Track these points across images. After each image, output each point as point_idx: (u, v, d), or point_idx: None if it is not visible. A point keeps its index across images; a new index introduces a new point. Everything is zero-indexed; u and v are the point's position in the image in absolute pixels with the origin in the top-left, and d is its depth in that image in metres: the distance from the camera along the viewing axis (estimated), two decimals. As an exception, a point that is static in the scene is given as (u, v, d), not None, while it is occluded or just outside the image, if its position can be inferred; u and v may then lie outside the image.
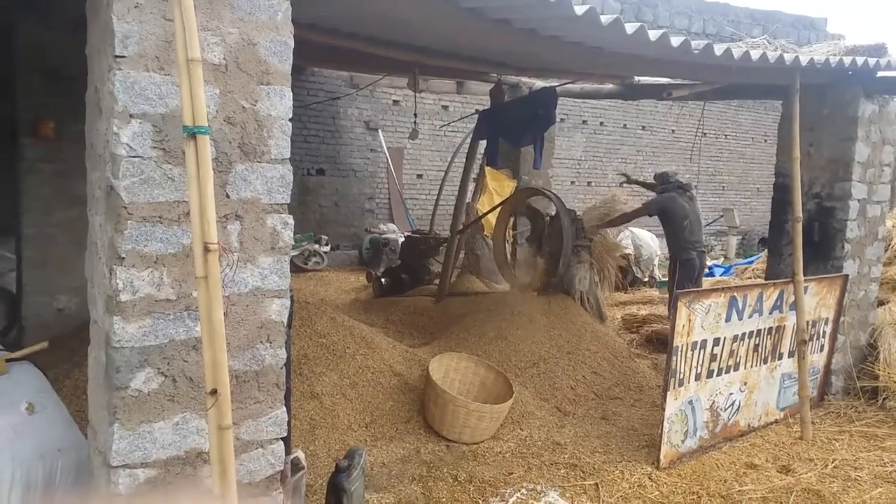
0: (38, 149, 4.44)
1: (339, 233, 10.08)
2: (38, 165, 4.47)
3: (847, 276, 4.73)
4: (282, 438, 2.27)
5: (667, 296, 7.59)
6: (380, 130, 10.28)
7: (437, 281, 6.92)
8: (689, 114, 13.26)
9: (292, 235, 2.27)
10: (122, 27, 1.87)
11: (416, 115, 7.40)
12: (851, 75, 4.52)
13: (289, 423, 2.30)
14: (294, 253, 8.73)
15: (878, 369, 4.84)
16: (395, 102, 10.50)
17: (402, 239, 8.58)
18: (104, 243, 2.01)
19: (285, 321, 2.27)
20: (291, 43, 2.17)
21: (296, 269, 8.66)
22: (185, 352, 2.04)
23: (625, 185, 7.21)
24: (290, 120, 2.20)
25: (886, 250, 5.57)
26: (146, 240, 1.95)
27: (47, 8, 3.78)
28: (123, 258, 1.92)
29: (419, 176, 11.00)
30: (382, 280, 7.17)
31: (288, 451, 2.34)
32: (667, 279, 6.99)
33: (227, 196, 2.09)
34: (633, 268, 8.98)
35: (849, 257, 4.79)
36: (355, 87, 9.13)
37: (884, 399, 4.72)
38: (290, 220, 2.24)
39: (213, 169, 1.88)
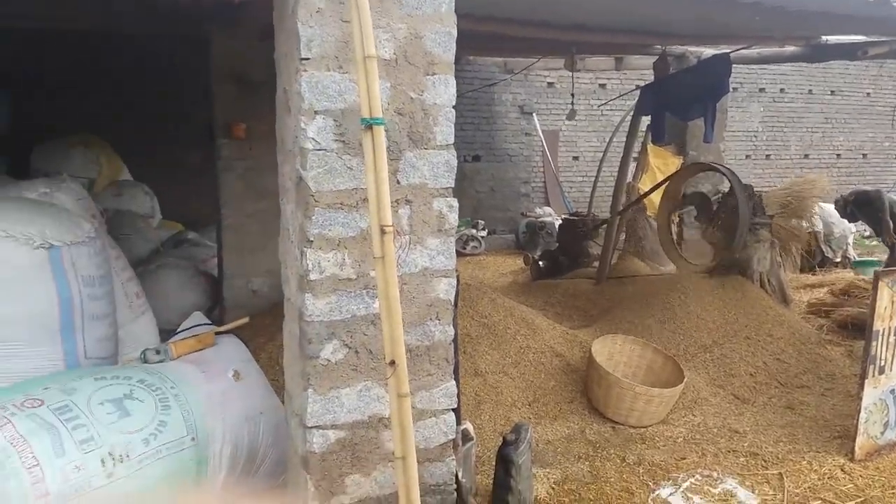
0: (233, 148, 4.91)
1: (495, 217, 10.19)
2: (233, 163, 4.94)
3: None
4: (452, 409, 2.39)
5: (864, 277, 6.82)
6: (534, 114, 10.21)
7: (595, 263, 6.78)
8: (889, 74, 11.63)
9: (457, 218, 2.37)
10: (306, 31, 2.06)
11: (573, 94, 7.26)
12: None
13: (458, 395, 2.42)
14: (454, 238, 8.98)
15: None
16: (550, 85, 10.36)
17: (559, 222, 8.50)
18: (295, 228, 2.24)
19: (452, 300, 2.38)
20: (455, 33, 2.25)
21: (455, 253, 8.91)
22: (364, 326, 2.22)
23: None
24: (452, 107, 2.29)
25: None
26: (330, 224, 2.14)
27: (238, 20, 4.20)
28: (312, 241, 2.13)
29: (575, 158, 10.78)
30: (540, 263, 7.16)
31: (458, 422, 2.46)
32: (863, 259, 6.26)
33: (398, 182, 2.22)
34: (823, 246, 8.08)
35: None
36: (509, 72, 9.14)
37: None
38: (455, 203, 2.33)
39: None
